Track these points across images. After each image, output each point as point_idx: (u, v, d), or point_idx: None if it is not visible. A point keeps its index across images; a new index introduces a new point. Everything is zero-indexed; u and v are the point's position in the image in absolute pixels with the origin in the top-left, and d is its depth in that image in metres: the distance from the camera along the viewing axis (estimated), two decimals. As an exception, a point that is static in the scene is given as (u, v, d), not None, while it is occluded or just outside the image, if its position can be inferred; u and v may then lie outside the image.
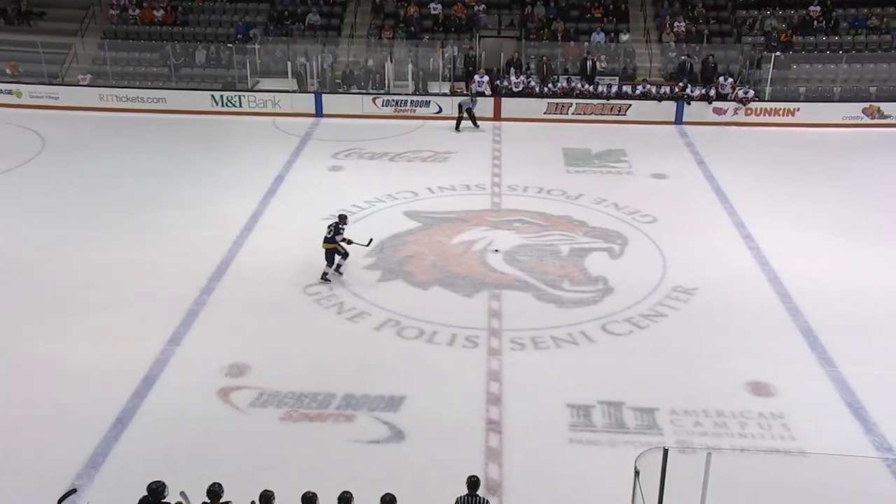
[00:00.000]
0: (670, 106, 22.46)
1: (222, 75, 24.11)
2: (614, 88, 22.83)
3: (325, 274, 13.32)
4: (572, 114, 22.66)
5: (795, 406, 10.15)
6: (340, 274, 13.47)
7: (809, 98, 22.75)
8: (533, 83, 23.13)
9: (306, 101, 22.99)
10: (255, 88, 23.61)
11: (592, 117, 22.58)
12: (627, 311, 12.49)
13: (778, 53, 23.04)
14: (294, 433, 9.77)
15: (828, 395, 10.42)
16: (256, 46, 24.29)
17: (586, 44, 24.29)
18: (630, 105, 22.54)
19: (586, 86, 22.96)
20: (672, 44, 24.47)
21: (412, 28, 25.05)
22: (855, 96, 22.64)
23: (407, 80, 23.33)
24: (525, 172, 18.55)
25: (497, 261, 14.16)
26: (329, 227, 13.37)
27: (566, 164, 19.32)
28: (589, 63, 23.42)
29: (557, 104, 22.70)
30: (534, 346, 11.58)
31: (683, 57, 23.58)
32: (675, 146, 20.80)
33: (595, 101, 22.63)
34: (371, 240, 13.84)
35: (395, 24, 25.27)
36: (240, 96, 23.12)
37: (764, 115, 22.35)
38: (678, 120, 22.43)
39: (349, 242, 13.31)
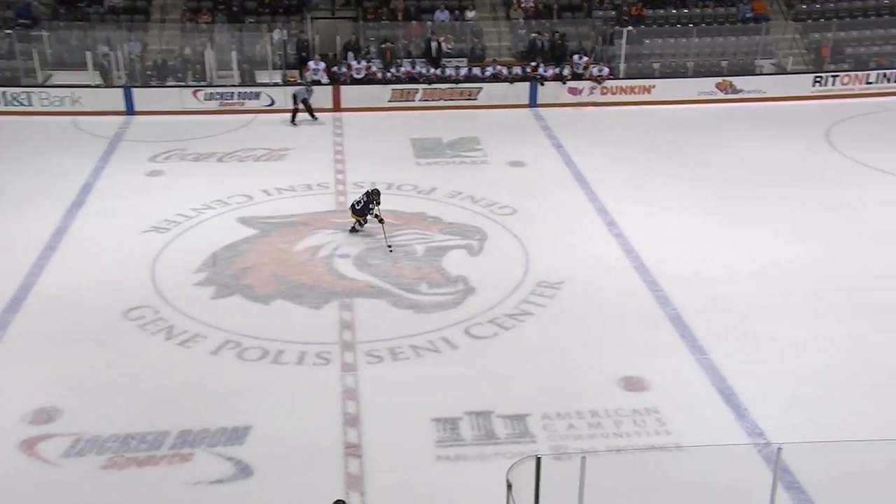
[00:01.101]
0: (523, 87, 23.20)
1: (3, 68, 22.52)
2: (463, 71, 23.32)
3: (354, 229, 15.08)
4: (419, 101, 22.94)
5: (669, 398, 10.71)
6: (357, 230, 15.03)
7: (664, 74, 24.21)
8: (374, 68, 23.22)
9: (113, 97, 21.96)
10: (48, 83, 22.29)
11: (441, 103, 22.95)
12: (491, 311, 12.77)
13: (630, 28, 24.36)
14: (120, 482, 9.30)
15: (700, 383, 11.08)
16: (44, 33, 22.87)
17: (429, 23, 24.66)
18: (481, 88, 23.09)
19: (432, 70, 23.30)
20: (521, 21, 25.29)
21: (234, 10, 24.47)
22: (707, 71, 24.31)
23: (232, 69, 22.78)
24: (371, 167, 18.57)
25: (346, 266, 14.11)
26: (364, 195, 14.80)
27: (416, 156, 19.51)
28: (434, 44, 23.78)
29: (402, 91, 22.90)
30: (392, 358, 11.62)
31: (534, 34, 24.43)
32: (530, 131, 21.50)
33: (443, 86, 23.01)
34: (392, 250, 14.52)
35: (213, 6, 24.61)
36: (28, 93, 21.76)
37: (620, 93, 23.55)
38: (532, 102, 23.21)
39: (381, 221, 14.52)
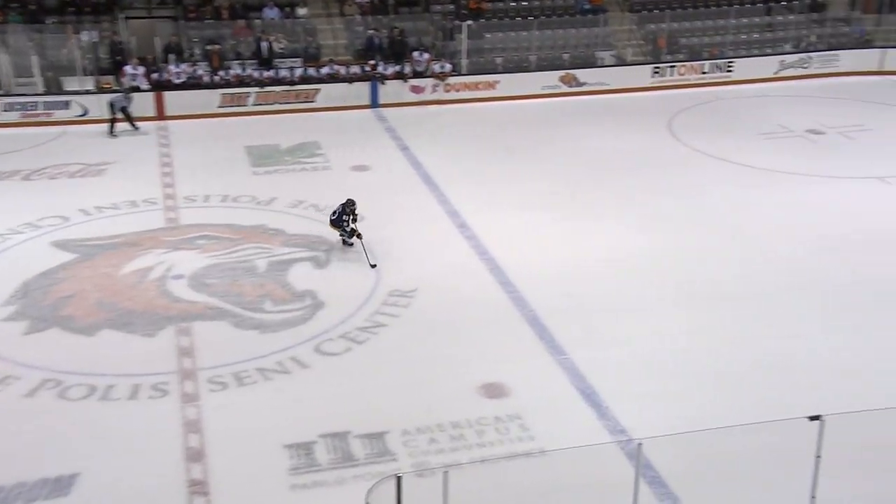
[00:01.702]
0: (363, 87, 23.24)
1: None
2: (298, 72, 23.09)
3: (344, 241, 14.86)
4: (252, 105, 22.56)
5: (531, 403, 10.93)
6: (350, 244, 14.80)
7: (507, 69, 24.88)
8: (200, 71, 22.59)
9: None
10: None
11: (276, 107, 22.65)
12: (342, 325, 12.67)
13: (470, 22, 24.86)
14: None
15: (561, 385, 11.38)
16: None
17: (258, 22, 24.25)
18: (318, 90, 22.94)
19: (264, 72, 22.93)
20: (356, 17, 25.30)
21: (30, 8, 23.15)
22: (550, 64, 25.18)
23: (33, 76, 21.56)
24: (204, 179, 18.09)
25: (181, 288, 13.64)
26: (339, 205, 14.65)
27: (252, 165, 19.15)
28: (264, 44, 23.40)
29: (233, 95, 22.43)
30: (238, 384, 11.31)
31: (371, 31, 24.49)
32: (374, 133, 21.54)
33: (278, 89, 22.73)
34: (375, 265, 14.31)
35: (3, 4, 23.18)
36: None
37: (464, 90, 24.00)
38: (374, 103, 23.28)
39: (359, 237, 14.51)
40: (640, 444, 7.70)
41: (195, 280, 13.89)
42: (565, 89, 24.61)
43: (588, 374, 11.53)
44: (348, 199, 14.77)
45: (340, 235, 14.87)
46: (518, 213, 16.63)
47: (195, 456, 9.95)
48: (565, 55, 25.52)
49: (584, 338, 12.43)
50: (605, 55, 25.81)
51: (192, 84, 22.33)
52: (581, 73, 24.79)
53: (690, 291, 13.73)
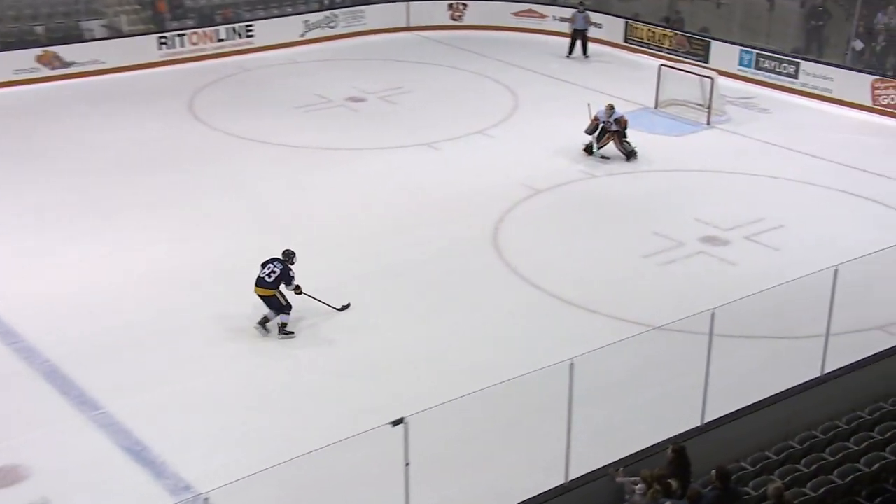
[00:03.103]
0: None
1: None
2: None
3: (265, 320, 13.13)
4: None
5: (62, 479, 10.36)
6: (291, 334, 13.09)
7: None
8: None
9: None
10: None
11: None
12: None
13: None
14: None
15: (101, 448, 10.89)
16: None
17: None
18: None
19: None
20: None
21: None
22: (21, 42, 23.91)
23: None
24: None
25: None
26: (266, 265, 13.02)
27: None
28: None
29: None
30: None
31: None
32: None
33: None
34: (348, 304, 13.70)
35: None
36: None
37: None
38: None
39: (299, 292, 13.19)
40: (206, 500, 7.51)
41: None
42: (47, 72, 23.63)
43: (134, 427, 11.18)
44: (288, 251, 13.24)
45: (278, 300, 13.01)
46: (14, 237, 15.84)
47: None
48: (39, 28, 24.36)
49: (124, 382, 12.04)
50: (94, 26, 25.06)
51: None
52: (65, 51, 23.92)
53: (252, 303, 13.73)
